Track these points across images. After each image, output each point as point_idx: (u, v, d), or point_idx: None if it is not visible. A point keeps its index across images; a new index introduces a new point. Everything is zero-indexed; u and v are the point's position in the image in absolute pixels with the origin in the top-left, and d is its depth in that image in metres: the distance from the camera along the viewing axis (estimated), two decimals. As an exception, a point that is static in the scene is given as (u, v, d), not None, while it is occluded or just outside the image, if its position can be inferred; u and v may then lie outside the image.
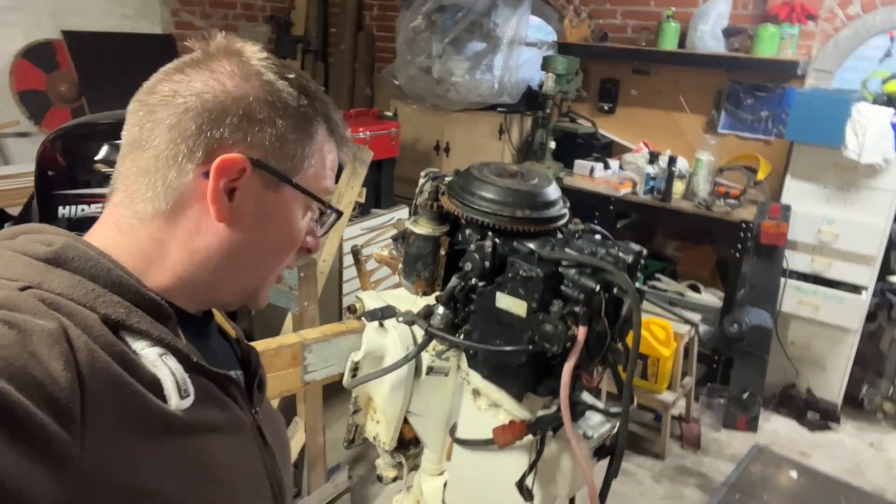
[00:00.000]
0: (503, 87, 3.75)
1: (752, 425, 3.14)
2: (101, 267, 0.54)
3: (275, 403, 1.99)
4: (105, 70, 3.63)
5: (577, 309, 0.86)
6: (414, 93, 3.93)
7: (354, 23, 4.91)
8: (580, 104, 4.05)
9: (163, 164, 0.57)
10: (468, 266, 0.94)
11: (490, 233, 0.95)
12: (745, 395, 3.12)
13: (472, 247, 0.95)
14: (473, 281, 0.95)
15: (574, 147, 3.80)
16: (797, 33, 3.31)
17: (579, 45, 3.85)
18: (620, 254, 0.88)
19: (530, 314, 0.89)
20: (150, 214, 0.58)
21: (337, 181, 0.76)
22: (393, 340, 1.14)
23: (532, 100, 3.91)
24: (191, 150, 0.57)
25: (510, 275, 0.90)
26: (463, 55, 3.85)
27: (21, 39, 3.45)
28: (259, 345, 1.07)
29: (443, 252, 1.01)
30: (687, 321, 2.93)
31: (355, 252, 2.16)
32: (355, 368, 1.15)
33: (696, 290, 3.56)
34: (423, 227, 1.00)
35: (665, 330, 2.78)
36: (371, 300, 1.18)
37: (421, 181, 1.07)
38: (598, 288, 0.86)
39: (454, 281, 0.96)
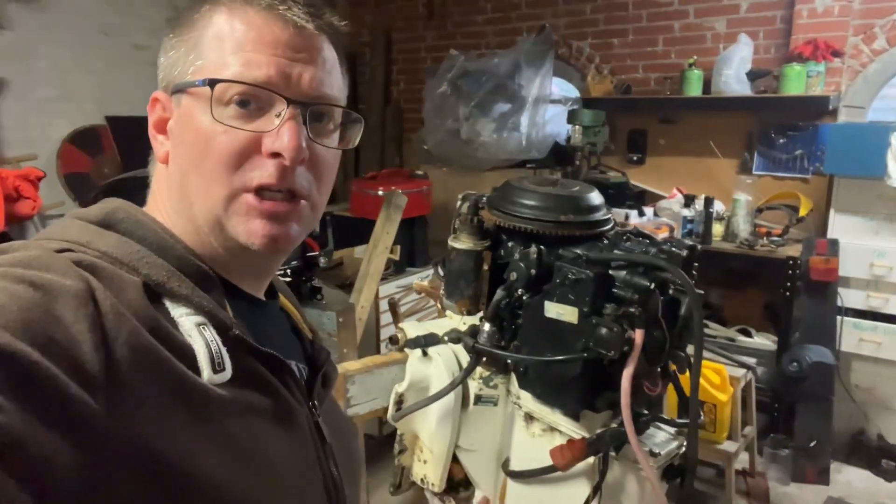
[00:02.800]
0: (531, 144, 3.79)
1: (822, 477, 2.92)
2: (148, 229, 0.55)
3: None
4: (146, 152, 3.79)
5: (632, 310, 0.82)
6: (443, 155, 4.00)
7: (382, 97, 5.10)
8: (609, 157, 4.06)
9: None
10: (513, 276, 0.90)
11: (534, 242, 0.92)
12: (813, 444, 2.91)
13: (517, 255, 0.91)
14: (519, 292, 0.91)
15: (606, 198, 3.75)
16: (823, 70, 3.30)
17: (604, 100, 3.89)
18: (674, 249, 0.83)
19: (582, 319, 0.84)
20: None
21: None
22: (438, 368, 1.09)
23: (560, 154, 3.94)
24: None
25: (558, 280, 0.86)
26: (489, 116, 3.93)
27: (68, 126, 3.66)
28: (300, 377, 1.04)
29: (485, 267, 0.98)
30: (742, 365, 2.78)
31: (392, 304, 2.14)
32: (400, 401, 1.10)
33: (748, 334, 3.41)
34: (464, 243, 0.97)
35: (719, 374, 2.65)
36: (413, 329, 1.14)
37: (458, 203, 1.05)
38: (652, 286, 0.82)
39: (499, 294, 0.92)
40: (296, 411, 0.59)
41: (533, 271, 0.89)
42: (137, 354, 0.45)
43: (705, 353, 2.86)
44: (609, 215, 0.95)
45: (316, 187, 0.61)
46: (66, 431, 0.39)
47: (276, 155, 0.56)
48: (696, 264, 0.90)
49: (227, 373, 0.51)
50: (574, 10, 4.20)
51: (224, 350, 0.51)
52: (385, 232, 1.82)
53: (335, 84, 0.61)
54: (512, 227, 0.93)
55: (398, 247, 2.51)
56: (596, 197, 0.95)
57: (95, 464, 0.41)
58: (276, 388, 0.57)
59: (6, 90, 3.21)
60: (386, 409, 1.12)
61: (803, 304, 3.06)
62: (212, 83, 0.55)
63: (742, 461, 2.86)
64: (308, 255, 1.79)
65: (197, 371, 0.49)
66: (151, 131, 0.61)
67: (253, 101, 0.56)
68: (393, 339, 1.16)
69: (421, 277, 3.10)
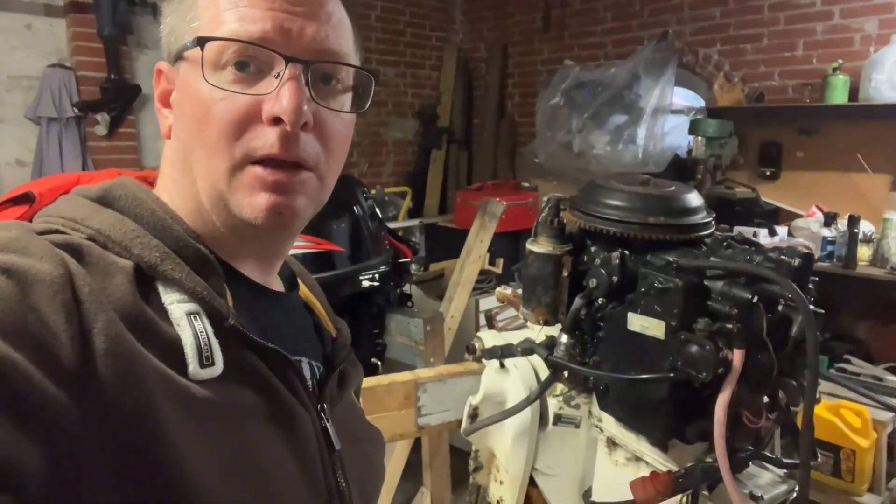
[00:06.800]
0: (648, 156, 3.60)
1: None
2: (146, 208, 0.51)
3: (399, 467, 1.87)
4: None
5: (729, 326, 0.70)
6: (555, 169, 3.89)
7: (496, 111, 5.09)
8: (737, 171, 3.76)
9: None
10: (593, 282, 0.82)
11: (619, 247, 0.83)
12: (981, 507, 2.47)
13: (598, 261, 0.83)
14: (600, 301, 0.82)
15: (732, 215, 3.49)
16: None
17: (732, 109, 3.63)
18: (783, 257, 0.71)
19: (670, 335, 0.74)
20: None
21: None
22: (514, 382, 1.02)
23: (681, 168, 3.70)
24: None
25: (643, 289, 0.77)
26: (604, 129, 3.78)
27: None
28: (371, 381, 1.01)
29: (565, 274, 0.90)
30: (889, 407, 2.43)
31: (489, 317, 2.08)
32: (474, 414, 1.04)
33: (899, 373, 2.99)
34: (543, 246, 0.90)
35: (860, 416, 2.33)
36: (491, 339, 1.08)
37: (542, 206, 0.98)
38: (755, 299, 0.70)
39: (578, 302, 0.84)
40: (297, 413, 0.54)
41: (615, 278, 0.79)
42: (112, 346, 0.42)
43: (844, 392, 2.52)
44: (709, 219, 0.84)
45: (324, 158, 0.55)
46: (36, 427, 0.37)
47: (277, 121, 0.51)
48: (815, 278, 0.77)
49: (217, 368, 0.47)
50: (701, 16, 3.96)
51: (215, 342, 0.48)
52: (479, 240, 1.77)
53: (343, 41, 0.55)
54: (595, 229, 0.84)
55: (501, 260, 2.44)
56: (693, 198, 0.84)
57: (68, 461, 0.38)
58: (275, 387, 0.52)
59: (148, 105, 3.53)
60: (459, 422, 1.06)
61: (971, 341, 2.63)
62: (201, 42, 0.51)
63: (889, 518, 2.48)
64: (399, 261, 1.77)
65: (184, 365, 0.46)
66: (157, 105, 0.58)
67: (252, 62, 0.52)
68: (469, 349, 1.10)
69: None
